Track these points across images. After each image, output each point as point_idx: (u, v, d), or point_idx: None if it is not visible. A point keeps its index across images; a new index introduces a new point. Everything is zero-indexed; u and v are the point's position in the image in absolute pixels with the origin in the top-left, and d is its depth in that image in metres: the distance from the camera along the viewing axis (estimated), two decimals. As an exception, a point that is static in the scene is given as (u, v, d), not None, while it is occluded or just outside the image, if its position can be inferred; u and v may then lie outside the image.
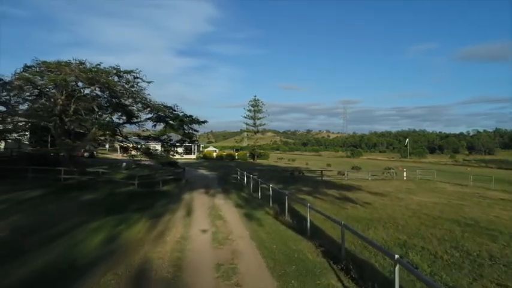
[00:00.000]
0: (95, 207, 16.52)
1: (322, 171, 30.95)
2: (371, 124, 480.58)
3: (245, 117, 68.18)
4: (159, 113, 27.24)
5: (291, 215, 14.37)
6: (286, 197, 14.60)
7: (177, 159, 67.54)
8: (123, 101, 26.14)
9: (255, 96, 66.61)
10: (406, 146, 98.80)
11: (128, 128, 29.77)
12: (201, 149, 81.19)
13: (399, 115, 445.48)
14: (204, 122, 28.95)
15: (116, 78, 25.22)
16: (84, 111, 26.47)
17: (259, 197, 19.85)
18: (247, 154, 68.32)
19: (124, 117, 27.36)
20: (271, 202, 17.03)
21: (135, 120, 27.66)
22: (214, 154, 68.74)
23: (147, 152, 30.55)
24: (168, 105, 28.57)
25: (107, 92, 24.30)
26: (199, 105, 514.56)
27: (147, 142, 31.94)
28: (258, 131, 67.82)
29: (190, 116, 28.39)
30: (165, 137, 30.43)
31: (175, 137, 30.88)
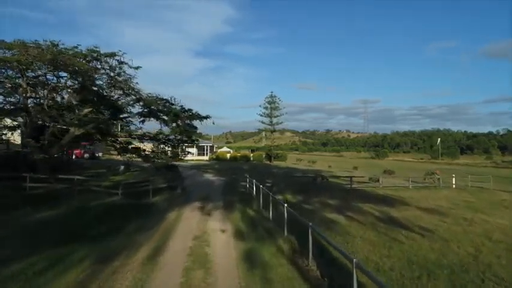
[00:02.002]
0: (46, 232, 11.78)
1: (351, 177, 25.24)
2: (391, 124, 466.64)
3: (261, 115, 62.82)
4: (151, 107, 22.23)
5: (319, 255, 8.96)
6: (310, 229, 9.00)
7: (189, 160, 63.12)
8: (106, 92, 21.33)
9: (271, 92, 61.10)
10: (437, 146, 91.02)
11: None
12: (214, 150, 76.39)
13: (420, 114, 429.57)
14: (206, 117, 23.76)
15: (98, 65, 20.40)
16: (58, 105, 21.84)
17: (271, 217, 14.41)
18: (263, 155, 62.90)
19: (108, 112, 22.51)
20: (286, 230, 11.57)
21: (123, 116, 22.77)
22: (228, 155, 63.65)
23: (142, 154, 25.62)
24: (164, 97, 23.65)
25: (81, 79, 19.37)
26: (217, 106, 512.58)
27: (142, 142, 27.07)
28: (275, 130, 62.22)
29: (190, 110, 23.23)
30: (162, 135, 25.51)
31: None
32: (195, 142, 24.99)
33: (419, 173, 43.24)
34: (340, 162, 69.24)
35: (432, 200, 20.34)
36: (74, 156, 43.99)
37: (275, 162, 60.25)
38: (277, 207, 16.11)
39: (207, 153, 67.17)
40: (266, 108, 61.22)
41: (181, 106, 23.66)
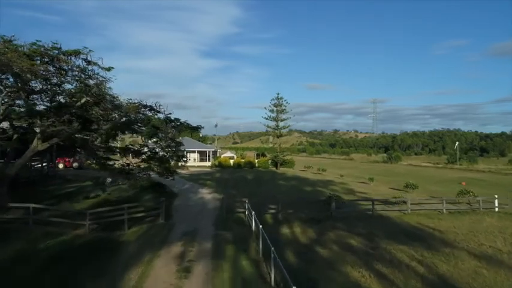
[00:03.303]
0: None
1: (373, 201, 20.85)
2: (399, 124, 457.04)
3: (266, 119, 58.43)
4: (128, 117, 18.14)
5: None
6: None
7: (190, 166, 59.15)
8: (75, 98, 17.30)
9: (278, 94, 56.71)
10: (454, 150, 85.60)
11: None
12: (218, 154, 72.33)
13: (429, 114, 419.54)
14: (197, 128, 19.74)
15: (57, 65, 16.34)
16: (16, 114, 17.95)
17: (272, 278, 10.15)
18: (269, 161, 58.59)
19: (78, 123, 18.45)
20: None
21: (95, 127, 18.70)
22: (232, 161, 59.46)
23: (126, 170, 21.54)
24: (147, 103, 19.62)
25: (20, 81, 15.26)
26: (224, 106, 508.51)
27: (125, 156, 23.05)
28: (281, 135, 57.85)
29: (177, 120, 19.11)
30: (147, 150, 21.48)
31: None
32: (182, 160, 20.77)
33: (444, 186, 38.64)
34: (351, 169, 64.56)
35: (482, 236, 15.87)
36: (62, 166, 40.33)
37: (282, 169, 55.99)
38: (284, 253, 11.95)
39: (209, 159, 63.21)
40: (272, 111, 56.94)
41: (167, 115, 19.61)
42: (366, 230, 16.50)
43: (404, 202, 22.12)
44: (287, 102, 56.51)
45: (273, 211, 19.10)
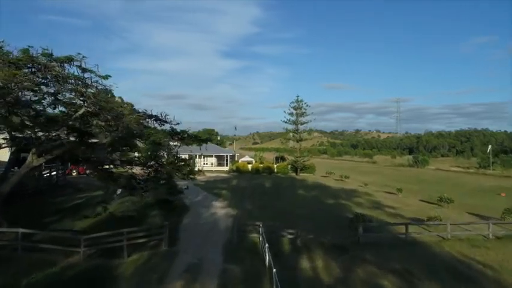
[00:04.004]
0: None
1: (406, 225, 18.10)
2: (423, 123, 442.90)
3: (286, 122, 56.05)
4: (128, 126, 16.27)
5: None
6: None
7: (207, 171, 57.53)
8: (72, 109, 15.67)
9: (298, 96, 54.10)
10: (487, 154, 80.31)
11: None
12: (235, 159, 70.50)
13: (454, 113, 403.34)
14: (205, 140, 17.67)
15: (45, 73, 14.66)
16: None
17: None
18: (289, 166, 56.18)
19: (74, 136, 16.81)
20: None
21: (93, 141, 16.98)
22: (250, 166, 57.42)
23: (133, 184, 19.68)
24: (153, 113, 17.80)
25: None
26: (244, 106, 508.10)
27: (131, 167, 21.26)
28: (301, 139, 55.30)
29: (184, 132, 17.06)
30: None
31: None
32: (189, 177, 18.65)
33: (481, 198, 35.13)
34: (376, 174, 61.21)
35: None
36: (75, 173, 39.35)
37: (302, 175, 53.50)
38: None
39: (227, 164, 61.46)
40: (291, 114, 54.47)
41: (174, 125, 17.63)
42: (401, 264, 13.94)
43: (441, 221, 19.35)
44: (307, 105, 53.98)
45: (291, 236, 16.79)
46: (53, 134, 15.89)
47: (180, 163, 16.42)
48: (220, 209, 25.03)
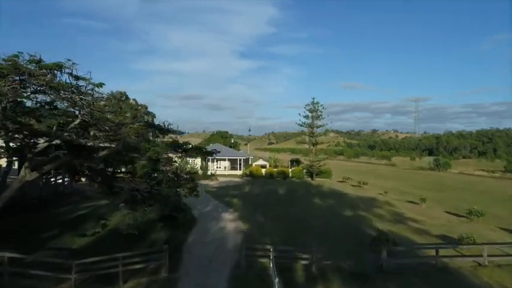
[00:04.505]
0: None
1: (437, 249, 16.06)
2: (442, 123, 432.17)
3: (301, 125, 54.09)
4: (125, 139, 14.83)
5: None
6: None
7: (220, 175, 56.19)
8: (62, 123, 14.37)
9: (313, 99, 52.07)
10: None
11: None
12: (249, 162, 68.93)
13: (475, 112, 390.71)
14: (210, 153, 16.09)
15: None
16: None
17: None
18: (304, 171, 54.21)
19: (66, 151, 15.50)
20: None
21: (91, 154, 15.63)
22: (263, 171, 55.75)
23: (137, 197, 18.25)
24: (155, 122, 16.47)
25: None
26: (260, 106, 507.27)
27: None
28: (317, 143, 53.25)
29: (186, 144, 15.52)
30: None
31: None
32: (194, 194, 16.97)
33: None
34: (395, 180, 58.47)
35: None
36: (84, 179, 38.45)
37: (318, 179, 51.51)
38: None
39: (240, 168, 59.98)
40: (307, 117, 52.48)
41: (177, 135, 16.12)
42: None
43: (475, 242, 17.23)
44: (323, 108, 51.88)
45: (305, 261, 15.02)
46: (45, 146, 14.60)
47: (181, 180, 14.80)
48: (230, 222, 23.42)
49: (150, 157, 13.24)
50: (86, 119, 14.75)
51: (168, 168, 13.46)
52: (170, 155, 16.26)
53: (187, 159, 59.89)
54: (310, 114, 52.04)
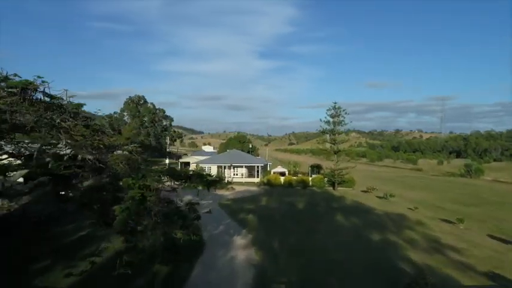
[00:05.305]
0: None
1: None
2: (469, 122, 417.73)
3: (322, 132, 51.11)
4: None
5: None
6: None
7: (237, 182, 53.77)
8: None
9: (335, 103, 48.90)
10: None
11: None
12: (268, 168, 66.25)
13: (504, 111, 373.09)
14: (215, 182, 13.53)
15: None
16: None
17: None
18: (325, 179, 51.13)
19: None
20: None
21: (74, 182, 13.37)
22: (282, 179, 53.00)
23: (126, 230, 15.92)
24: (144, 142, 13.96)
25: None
26: (280, 106, 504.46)
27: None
28: (339, 150, 50.00)
29: (184, 172, 12.96)
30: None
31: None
32: (195, 235, 14.41)
33: None
34: (424, 190, 54.32)
35: None
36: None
37: (340, 189, 48.33)
38: None
39: (257, 175, 57.47)
40: (328, 122, 49.32)
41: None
42: None
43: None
44: (346, 113, 48.58)
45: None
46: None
47: (176, 217, 12.24)
48: (241, 250, 20.80)
49: (133, 197, 10.81)
50: (67, 145, 12.53)
51: (157, 209, 10.98)
52: (167, 183, 13.85)
53: (203, 166, 58.00)
54: (331, 120, 48.88)
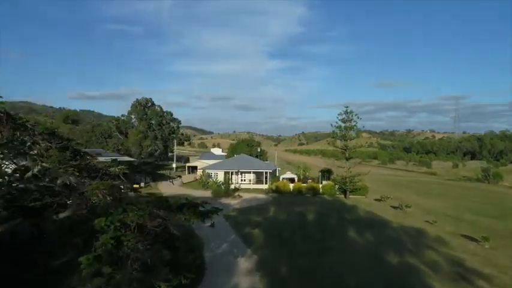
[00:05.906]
0: None
1: None
2: (483, 122, 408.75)
3: (333, 137, 48.97)
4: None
5: None
6: None
7: (245, 189, 51.97)
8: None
9: (347, 107, 46.77)
10: None
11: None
12: (277, 173, 64.31)
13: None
14: (211, 212, 11.66)
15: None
16: None
17: None
18: (336, 187, 48.98)
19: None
20: None
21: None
22: (291, 186, 51.03)
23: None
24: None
25: None
26: (291, 106, 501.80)
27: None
28: (351, 157, 47.76)
29: (179, 204, 11.17)
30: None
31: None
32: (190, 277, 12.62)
33: None
34: (441, 198, 51.57)
35: None
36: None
37: (352, 198, 46.16)
38: None
39: (266, 181, 55.60)
40: (339, 128, 47.09)
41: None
42: None
43: None
44: (358, 117, 46.33)
45: None
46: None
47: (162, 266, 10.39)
48: (244, 275, 18.94)
49: (105, 243, 9.04)
50: (40, 171, 10.89)
51: (135, 256, 9.17)
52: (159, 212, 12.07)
53: (210, 172, 56.22)
54: (343, 125, 46.66)
